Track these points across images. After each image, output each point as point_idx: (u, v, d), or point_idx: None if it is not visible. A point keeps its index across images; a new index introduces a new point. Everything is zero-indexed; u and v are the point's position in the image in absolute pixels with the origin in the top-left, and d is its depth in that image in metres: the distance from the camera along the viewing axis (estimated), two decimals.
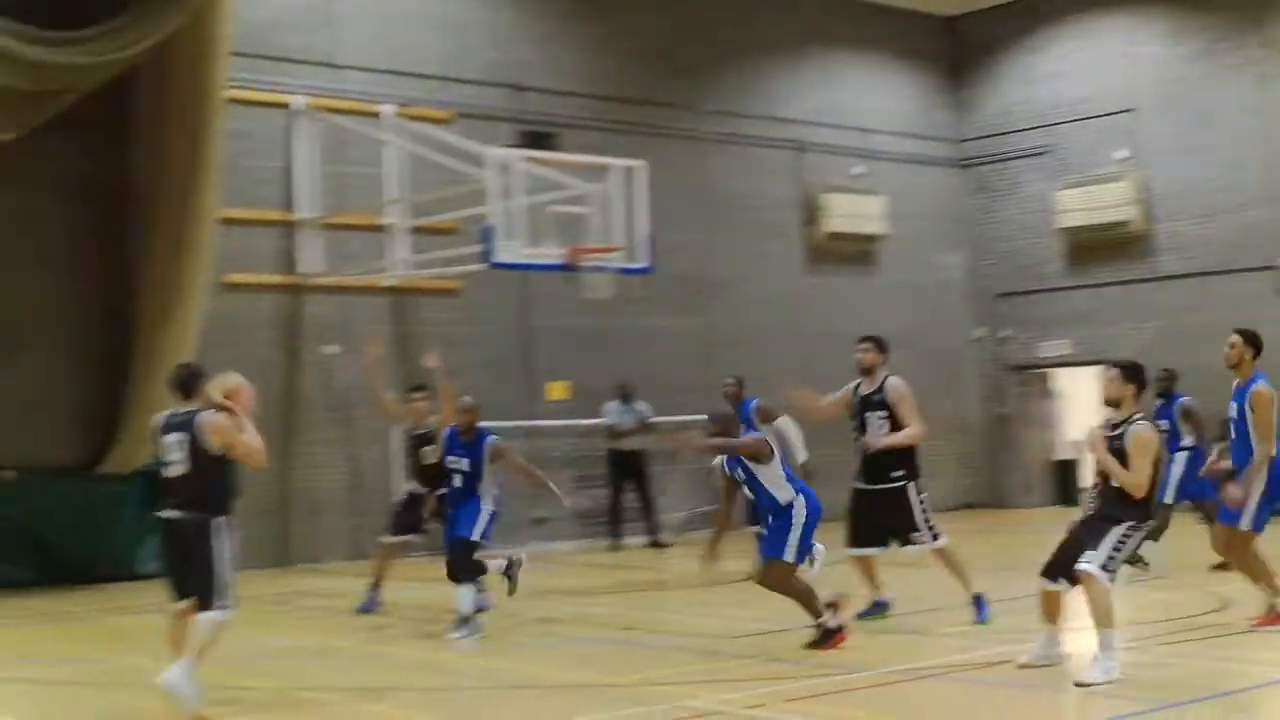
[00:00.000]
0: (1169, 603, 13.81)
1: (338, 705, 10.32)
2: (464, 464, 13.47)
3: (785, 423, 15.88)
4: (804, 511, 11.61)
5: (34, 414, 19.21)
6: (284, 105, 21.24)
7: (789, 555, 11.56)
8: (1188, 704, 9.17)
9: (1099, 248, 27.08)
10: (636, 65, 25.03)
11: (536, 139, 22.62)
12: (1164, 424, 16.67)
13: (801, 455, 16.03)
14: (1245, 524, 11.84)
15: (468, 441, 13.56)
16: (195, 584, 9.65)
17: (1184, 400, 17.24)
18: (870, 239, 27.47)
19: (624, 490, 22.31)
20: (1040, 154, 28.08)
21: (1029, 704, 9.64)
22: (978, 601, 12.89)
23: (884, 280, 27.84)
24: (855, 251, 27.36)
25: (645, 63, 25.15)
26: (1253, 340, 12.26)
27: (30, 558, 18.60)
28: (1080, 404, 31.01)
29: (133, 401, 18.98)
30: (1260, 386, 11.94)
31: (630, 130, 24.21)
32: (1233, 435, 12.12)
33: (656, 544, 22.11)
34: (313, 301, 21.36)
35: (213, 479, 9.78)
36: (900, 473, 12.97)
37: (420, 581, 17.06)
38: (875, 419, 13.06)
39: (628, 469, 22.30)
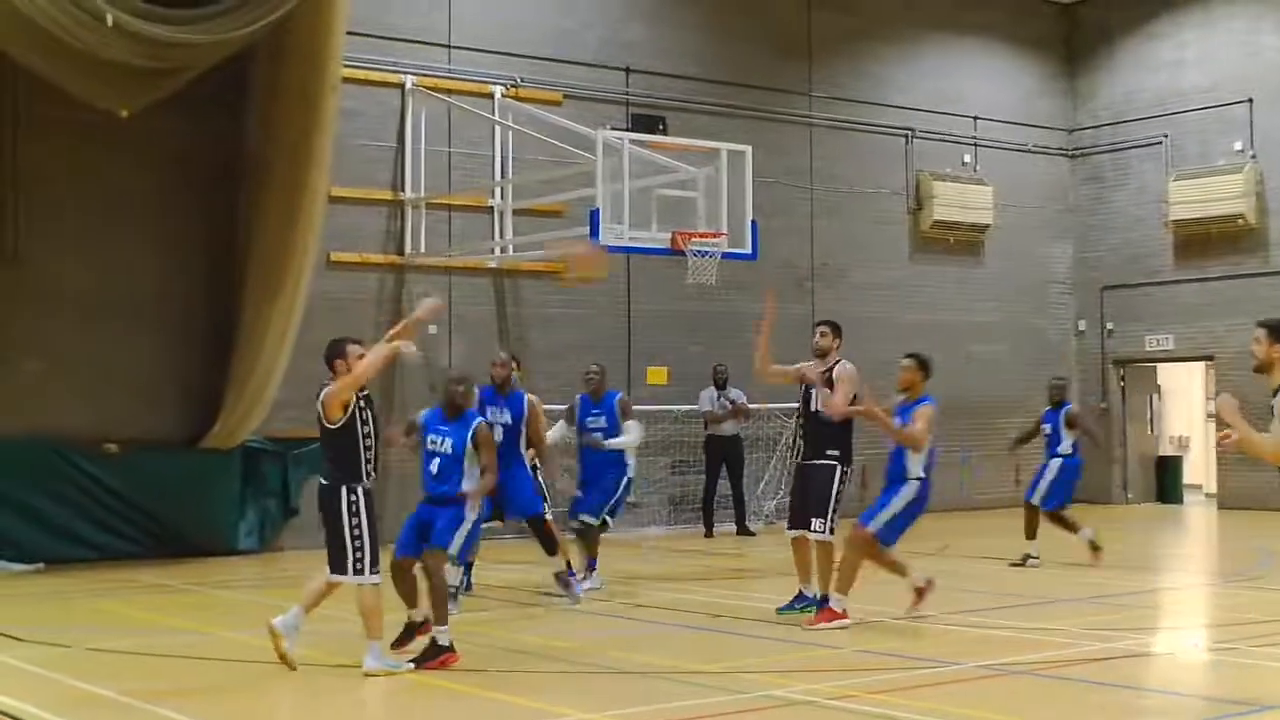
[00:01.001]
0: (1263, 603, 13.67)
1: (444, 688, 10.44)
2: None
3: (633, 424, 16.13)
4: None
5: (144, 390, 19.50)
6: (397, 85, 21.43)
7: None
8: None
9: (1210, 241, 26.71)
10: (747, 48, 24.98)
11: (645, 122, 22.66)
12: (1046, 428, 17.63)
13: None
14: None
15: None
16: (330, 551, 10.52)
17: (1070, 406, 17.91)
18: (977, 228, 27.26)
19: (718, 476, 22.31)
20: (1154, 144, 27.70)
21: (1117, 701, 9.60)
22: (823, 600, 12.86)
23: (989, 270, 27.64)
24: (961, 241, 27.16)
25: (756, 46, 25.10)
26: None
27: (136, 530, 18.95)
28: (1184, 399, 30.75)
29: (236, 377, 19.25)
30: None
31: (739, 114, 24.20)
32: None
33: (745, 531, 22.11)
34: (417, 281, 21.53)
35: (332, 448, 10.51)
36: (835, 452, 13.12)
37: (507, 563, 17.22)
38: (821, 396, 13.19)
39: (722, 455, 22.31)
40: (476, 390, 12.81)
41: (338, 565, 10.51)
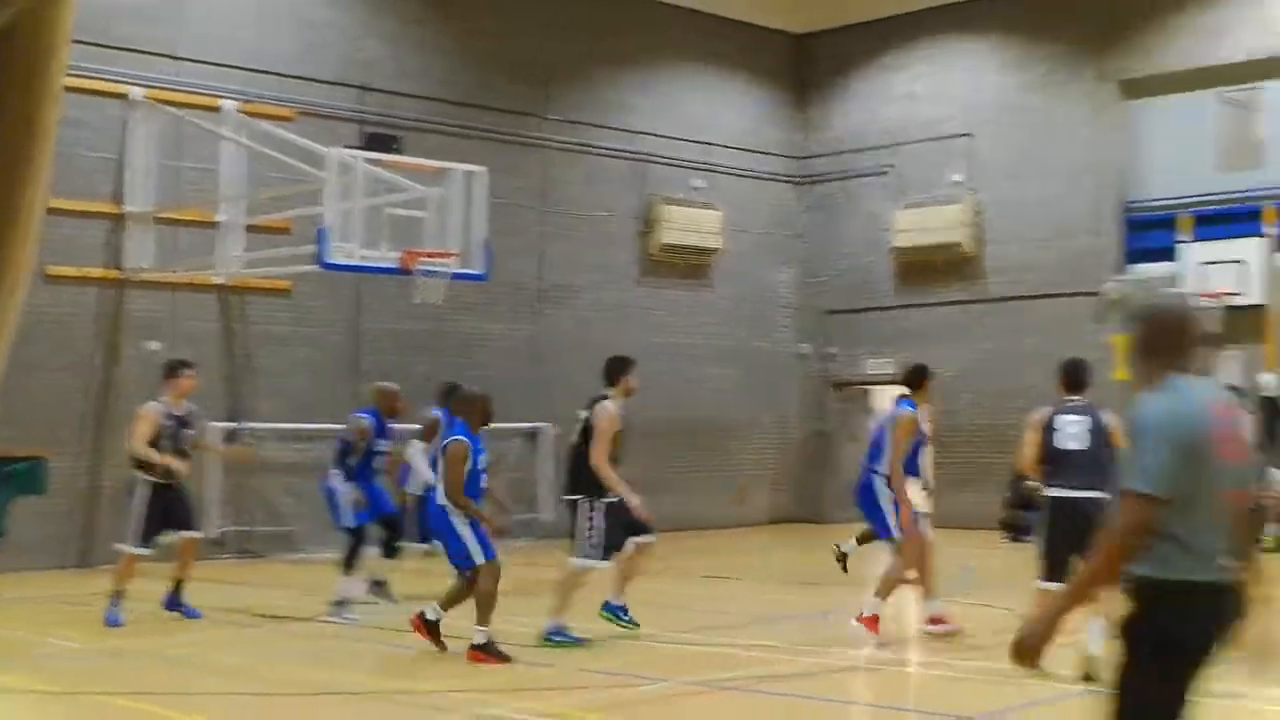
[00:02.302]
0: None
1: (133, 709, 10.24)
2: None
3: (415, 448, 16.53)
4: None
5: None
6: (121, 95, 20.96)
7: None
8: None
9: (930, 268, 27.59)
10: (484, 70, 25.01)
11: (379, 141, 22.54)
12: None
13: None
14: None
15: None
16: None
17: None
18: (705, 252, 27.69)
19: None
20: (880, 174, 28.53)
21: (825, 714, 9.85)
22: (555, 632, 12.84)
23: (716, 294, 28.09)
24: (690, 264, 27.55)
25: (493, 68, 25.14)
26: None
27: None
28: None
29: None
30: None
31: (474, 135, 24.21)
32: None
33: None
34: (138, 297, 21.06)
35: None
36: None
37: (234, 583, 16.95)
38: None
39: None
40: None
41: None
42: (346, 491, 15.06)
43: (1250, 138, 26.38)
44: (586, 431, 13.18)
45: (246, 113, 21.66)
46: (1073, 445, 10.89)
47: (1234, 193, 25.01)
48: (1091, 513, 10.47)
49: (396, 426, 16.07)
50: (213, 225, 21.41)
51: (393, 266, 19.15)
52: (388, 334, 23.10)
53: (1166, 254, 25.09)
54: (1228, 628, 5.19)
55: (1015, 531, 23.76)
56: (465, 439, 12.26)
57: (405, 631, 12.50)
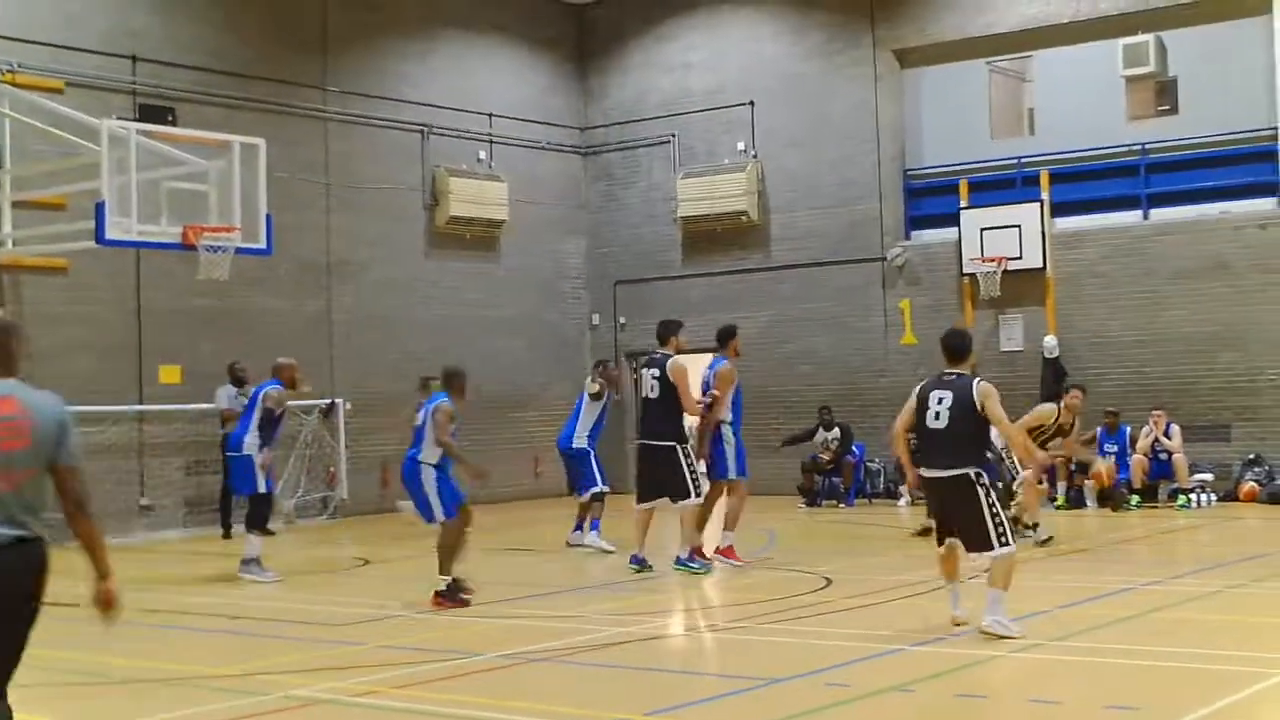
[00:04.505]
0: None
1: None
2: None
3: None
4: None
5: None
6: None
7: None
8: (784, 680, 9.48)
9: (716, 237, 27.74)
10: (259, 40, 24.41)
11: (153, 113, 21.92)
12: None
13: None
14: None
15: None
16: None
17: None
18: (493, 224, 27.47)
19: None
20: (663, 143, 28.59)
21: (636, 683, 9.79)
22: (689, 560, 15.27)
23: (505, 265, 27.91)
24: (477, 236, 27.31)
25: (269, 38, 24.56)
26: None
27: None
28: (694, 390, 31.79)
29: None
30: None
31: (252, 107, 23.66)
32: None
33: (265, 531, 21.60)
34: None
35: None
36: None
37: None
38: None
39: None
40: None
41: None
42: (261, 459, 16.29)
43: (1021, 106, 27.03)
44: (666, 386, 15.47)
45: (12, 83, 20.81)
46: (934, 423, 10.91)
47: (1008, 159, 25.60)
48: (948, 491, 10.87)
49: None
50: None
51: (175, 242, 18.68)
52: (172, 312, 22.45)
53: (948, 220, 25.58)
54: None
55: (811, 497, 24.05)
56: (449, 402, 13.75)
57: (219, 615, 12.16)
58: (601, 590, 14.75)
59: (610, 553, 17.10)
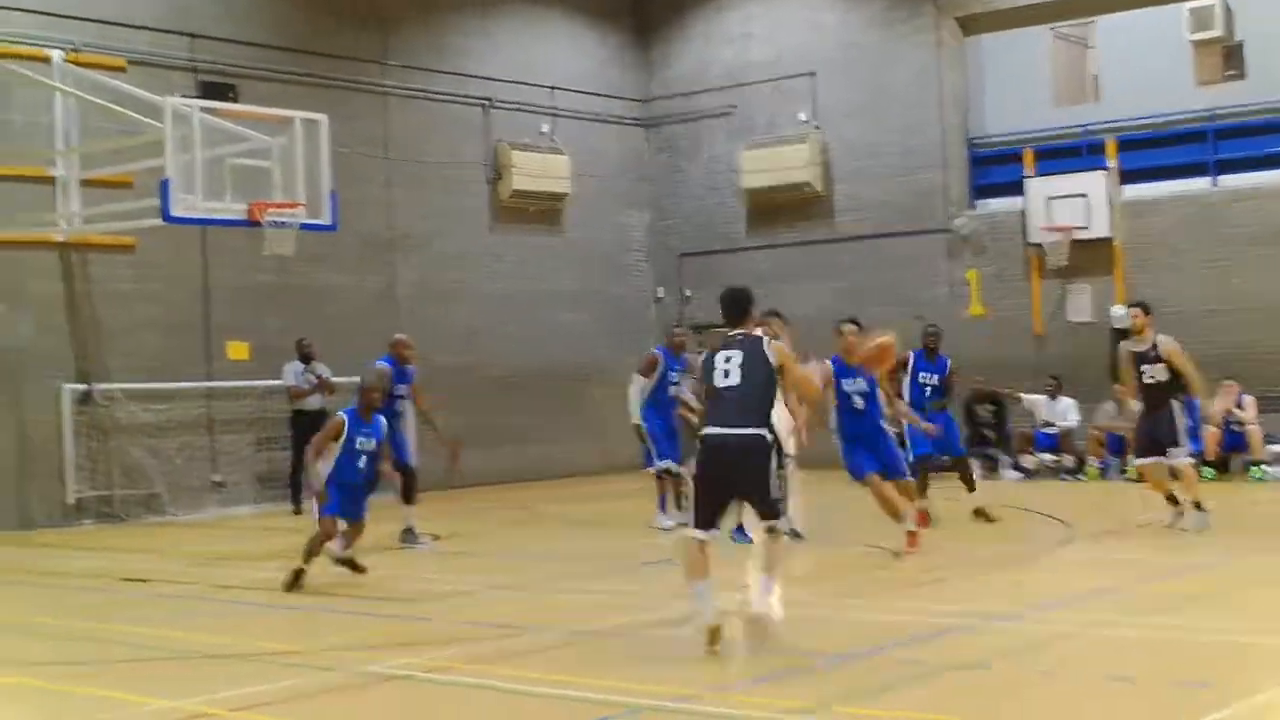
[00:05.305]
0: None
1: None
2: None
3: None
4: None
5: None
6: None
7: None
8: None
9: (780, 209, 27.60)
10: (321, 16, 24.46)
11: (214, 90, 21.98)
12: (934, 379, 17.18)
13: None
14: None
15: None
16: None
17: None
18: (556, 197, 27.45)
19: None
20: (725, 115, 28.46)
21: (705, 659, 9.75)
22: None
23: (569, 239, 27.90)
24: (541, 210, 27.30)
25: (330, 14, 24.60)
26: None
27: None
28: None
29: None
30: None
31: (314, 83, 23.68)
32: None
33: None
34: None
35: None
36: None
37: (96, 549, 16.48)
38: None
39: (308, 430, 21.77)
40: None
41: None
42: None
43: (1085, 72, 26.74)
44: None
45: (76, 62, 20.90)
46: (724, 382, 9.96)
47: (1073, 127, 25.37)
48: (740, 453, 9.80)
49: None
50: (49, 181, 20.68)
51: (239, 218, 18.71)
52: (237, 288, 22.59)
53: (1013, 189, 25.36)
54: None
55: None
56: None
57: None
58: (673, 566, 14.64)
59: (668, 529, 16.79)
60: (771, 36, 28.05)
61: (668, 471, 17.33)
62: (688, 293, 28.80)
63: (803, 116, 27.45)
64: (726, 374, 9.94)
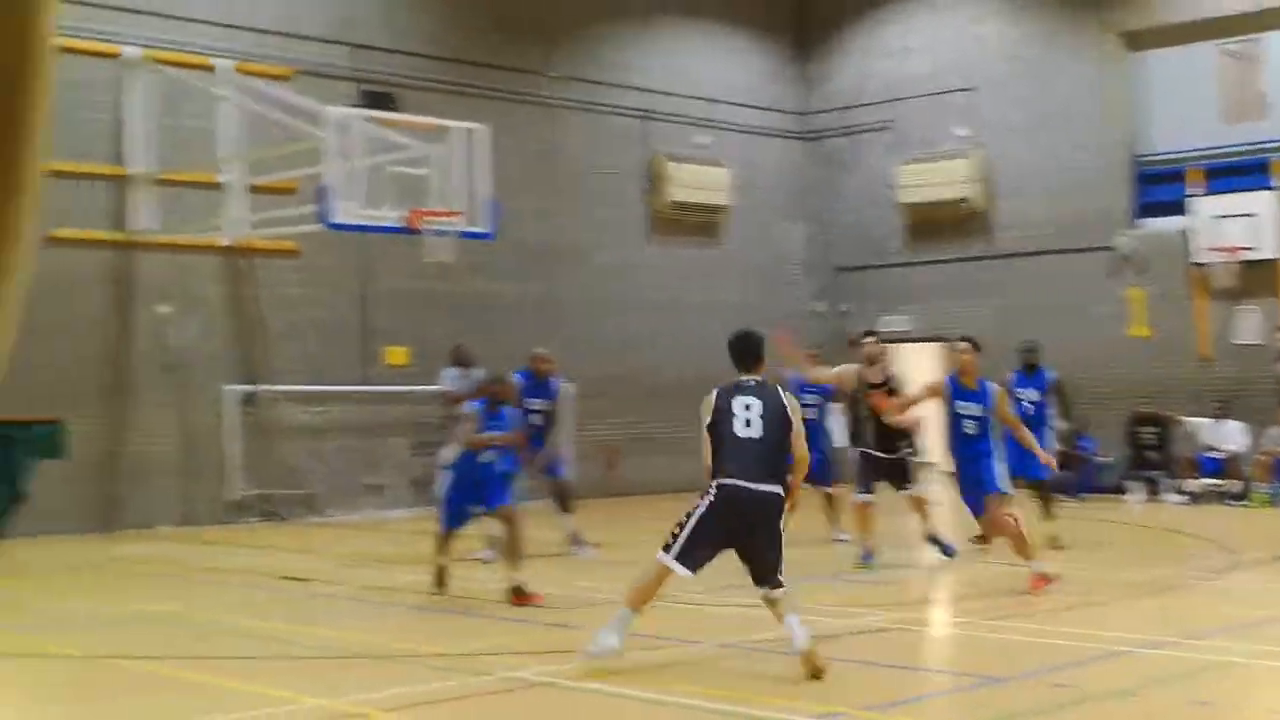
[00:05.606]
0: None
1: (155, 673, 10.05)
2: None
3: None
4: None
5: None
6: (115, 55, 20.66)
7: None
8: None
9: (939, 224, 27.36)
10: (482, 27, 24.72)
11: (377, 99, 22.30)
12: (1033, 394, 16.78)
13: None
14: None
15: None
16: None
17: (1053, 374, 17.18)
18: (714, 210, 27.46)
19: None
20: (883, 129, 28.28)
21: (855, 677, 9.66)
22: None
23: (726, 251, 27.88)
24: (698, 222, 27.34)
25: (491, 25, 24.85)
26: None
27: None
28: (916, 380, 31.42)
29: None
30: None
31: (474, 93, 23.94)
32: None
33: None
34: (145, 259, 20.84)
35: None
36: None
37: (256, 547, 16.75)
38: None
39: None
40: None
41: None
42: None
43: (1253, 89, 26.15)
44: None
45: (242, 71, 21.35)
46: (745, 431, 9.66)
47: (1241, 145, 24.83)
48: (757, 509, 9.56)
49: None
50: (215, 186, 21.15)
51: (399, 226, 18.97)
52: (397, 294, 22.89)
53: (1177, 208, 24.88)
54: None
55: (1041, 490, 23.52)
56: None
57: (435, 594, 12.32)
58: (832, 582, 14.51)
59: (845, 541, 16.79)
60: (931, 50, 27.83)
61: (827, 493, 17.62)
62: (844, 307, 28.63)
63: (962, 131, 27.18)
64: (748, 423, 9.68)
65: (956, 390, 13.62)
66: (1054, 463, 14.91)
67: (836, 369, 16.06)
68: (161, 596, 13.90)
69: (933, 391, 13.93)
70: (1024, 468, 16.12)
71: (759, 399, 9.76)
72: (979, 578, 14.15)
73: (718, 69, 28.14)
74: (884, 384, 15.28)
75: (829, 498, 17.40)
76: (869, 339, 15.82)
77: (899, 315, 27.63)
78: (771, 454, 9.67)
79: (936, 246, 27.45)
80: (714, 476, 9.65)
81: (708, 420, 9.78)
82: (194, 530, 20.16)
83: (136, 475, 20.60)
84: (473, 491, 13.23)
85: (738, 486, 9.53)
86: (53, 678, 10.12)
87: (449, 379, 21.79)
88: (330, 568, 15.90)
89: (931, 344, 28.67)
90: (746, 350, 10.09)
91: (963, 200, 26.81)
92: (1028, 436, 13.99)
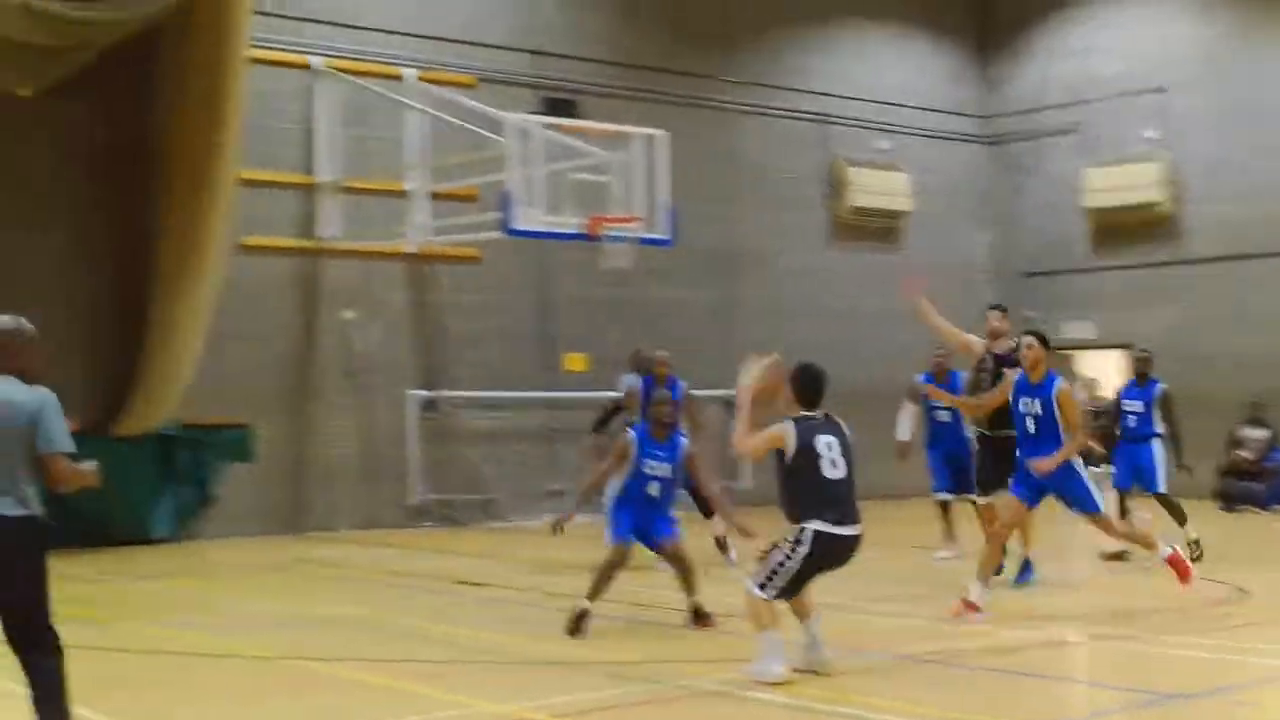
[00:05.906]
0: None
1: (336, 675, 10.19)
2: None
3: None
4: None
5: (50, 377, 19.01)
6: (304, 66, 21.08)
7: None
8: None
9: (1126, 228, 26.78)
10: (661, 33, 24.79)
11: (558, 105, 22.46)
12: (1139, 405, 16.34)
13: None
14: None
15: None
16: None
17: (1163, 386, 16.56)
18: (895, 215, 27.21)
19: None
20: (1068, 132, 27.77)
21: (1027, 691, 9.48)
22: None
23: (909, 257, 27.56)
24: (880, 227, 27.11)
25: (670, 31, 24.91)
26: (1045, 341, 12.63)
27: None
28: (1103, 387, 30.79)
29: (147, 364, 18.83)
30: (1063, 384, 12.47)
31: (653, 99, 23.99)
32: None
33: None
34: (331, 266, 21.25)
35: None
36: None
37: (437, 551, 16.95)
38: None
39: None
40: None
41: None
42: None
43: None
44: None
45: (427, 80, 21.64)
46: (834, 473, 9.57)
47: None
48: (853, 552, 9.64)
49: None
50: (400, 194, 21.46)
51: (579, 232, 19.07)
52: (577, 301, 23.05)
53: None
54: None
55: (1229, 501, 23.00)
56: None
57: (611, 600, 12.34)
58: (996, 591, 14.27)
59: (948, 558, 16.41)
60: (1117, 50, 27.26)
61: (943, 501, 17.15)
62: (1030, 314, 28.11)
63: (1150, 133, 26.57)
64: (834, 464, 9.59)
65: (1023, 386, 12.75)
66: (1049, 468, 13.46)
67: (967, 336, 15.28)
68: (345, 600, 14.12)
69: (1007, 390, 13.25)
70: (1134, 477, 15.76)
71: (835, 436, 9.73)
72: (1165, 590, 13.79)
73: (897, 72, 27.88)
74: (1009, 357, 13.98)
75: (981, 507, 16.37)
76: (995, 311, 15.06)
77: (1084, 321, 27.08)
78: (853, 492, 9.69)
79: (1122, 251, 26.87)
80: (802, 518, 9.55)
81: (791, 454, 9.61)
82: (375, 534, 20.47)
83: (320, 479, 20.98)
84: (639, 518, 12.49)
85: (833, 536, 9.51)
86: (238, 677, 10.31)
87: (628, 385, 21.85)
88: (508, 573, 16.04)
89: (1115, 350, 28.16)
90: (815, 385, 9.94)
91: (1152, 204, 26.20)
92: (1077, 441, 12.77)
